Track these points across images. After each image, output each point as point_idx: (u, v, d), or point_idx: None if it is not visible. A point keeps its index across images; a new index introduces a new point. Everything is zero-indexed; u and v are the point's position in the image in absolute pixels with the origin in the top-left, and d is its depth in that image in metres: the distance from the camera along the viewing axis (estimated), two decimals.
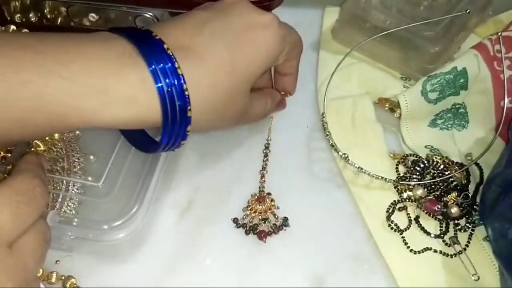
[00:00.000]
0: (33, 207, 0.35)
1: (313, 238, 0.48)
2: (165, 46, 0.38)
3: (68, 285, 0.43)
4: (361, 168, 0.50)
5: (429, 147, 0.53)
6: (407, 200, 0.50)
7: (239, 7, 0.43)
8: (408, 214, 0.50)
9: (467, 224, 0.49)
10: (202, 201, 0.50)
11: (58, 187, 0.47)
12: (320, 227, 0.49)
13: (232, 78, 0.41)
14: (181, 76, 0.38)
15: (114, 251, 0.47)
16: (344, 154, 0.51)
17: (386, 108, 0.56)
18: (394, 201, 0.50)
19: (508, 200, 0.44)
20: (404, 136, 0.54)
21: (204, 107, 0.40)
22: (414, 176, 0.51)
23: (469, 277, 0.46)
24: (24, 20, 0.54)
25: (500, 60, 0.54)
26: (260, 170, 0.52)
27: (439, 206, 0.49)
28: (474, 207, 0.49)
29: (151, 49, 0.38)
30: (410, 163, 0.52)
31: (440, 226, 0.49)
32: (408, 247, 0.48)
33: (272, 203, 0.50)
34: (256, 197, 0.50)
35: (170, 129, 0.39)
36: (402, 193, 0.50)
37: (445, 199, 0.50)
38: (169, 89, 0.37)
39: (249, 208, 0.49)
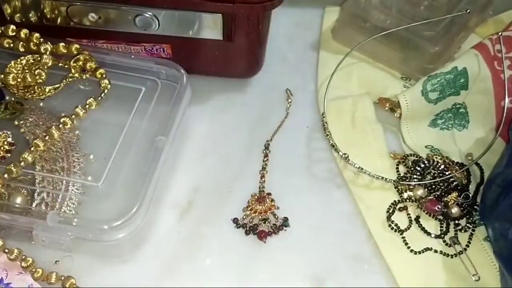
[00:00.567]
0: None
1: (313, 238, 0.48)
2: None
3: (67, 285, 0.43)
4: (361, 168, 0.50)
5: (430, 147, 0.53)
6: (408, 200, 0.50)
7: None
8: (408, 214, 0.49)
9: (467, 224, 0.49)
10: (202, 201, 0.50)
11: (57, 187, 0.47)
12: (320, 227, 0.49)
13: None
14: None
15: (114, 251, 0.46)
16: (344, 154, 0.51)
17: (386, 108, 0.56)
18: (395, 201, 0.50)
19: (509, 200, 0.44)
20: (404, 136, 0.54)
21: None
22: (415, 176, 0.51)
23: (469, 277, 0.46)
24: (24, 20, 0.54)
25: (500, 60, 0.54)
26: (260, 170, 0.52)
27: (439, 206, 0.49)
28: (475, 207, 0.49)
29: None
30: (410, 163, 0.52)
31: (441, 226, 0.49)
32: (409, 247, 0.48)
33: (272, 203, 0.50)
34: (256, 197, 0.50)
35: None
36: (403, 193, 0.50)
37: (445, 199, 0.50)
38: None
39: (249, 208, 0.49)
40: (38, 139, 0.47)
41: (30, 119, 0.50)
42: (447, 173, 0.51)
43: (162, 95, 0.52)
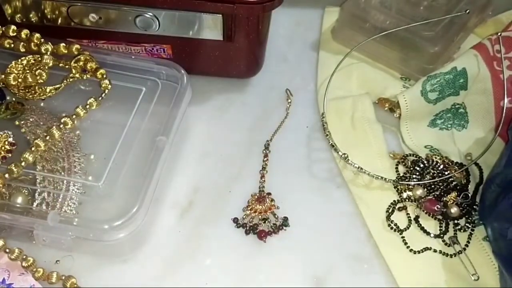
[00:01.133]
0: None
1: (313, 238, 0.48)
2: None
3: (68, 285, 0.44)
4: (361, 168, 0.50)
5: (429, 147, 0.54)
6: (407, 200, 0.50)
7: None
8: (408, 214, 0.50)
9: (466, 224, 0.49)
10: (202, 201, 0.50)
11: (58, 187, 0.47)
12: (320, 227, 0.49)
13: None
14: None
15: (114, 251, 0.47)
16: (344, 154, 0.51)
17: (386, 108, 0.57)
18: (394, 201, 0.50)
19: (508, 200, 0.44)
20: (404, 136, 0.54)
21: None
22: (414, 176, 0.51)
23: (468, 276, 0.46)
24: (24, 20, 0.54)
25: (499, 60, 0.54)
26: (260, 170, 0.52)
27: (438, 206, 0.49)
28: (474, 207, 0.49)
29: None
30: (409, 163, 0.52)
31: (440, 226, 0.49)
32: (408, 247, 0.48)
33: (272, 203, 0.50)
34: (256, 197, 0.50)
35: None
36: (402, 193, 0.50)
37: (444, 199, 0.50)
38: None
39: (249, 208, 0.49)
40: (39, 139, 0.47)
41: (31, 119, 0.51)
42: (446, 173, 0.51)
43: (163, 95, 0.52)
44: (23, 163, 0.46)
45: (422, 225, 0.49)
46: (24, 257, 0.43)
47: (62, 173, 0.48)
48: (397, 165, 0.52)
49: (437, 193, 0.50)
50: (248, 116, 0.57)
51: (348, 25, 0.59)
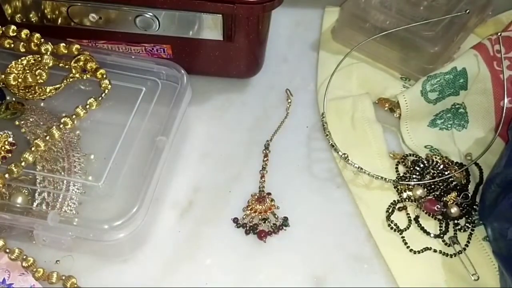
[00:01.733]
0: None
1: (313, 238, 0.48)
2: None
3: (68, 285, 0.44)
4: (361, 168, 0.50)
5: (429, 147, 0.54)
6: (407, 200, 0.50)
7: None
8: (408, 214, 0.50)
9: (466, 224, 0.49)
10: (202, 201, 0.50)
11: (58, 187, 0.47)
12: (320, 227, 0.49)
13: None
14: None
15: (114, 251, 0.47)
16: (344, 154, 0.51)
17: (386, 108, 0.57)
18: (394, 201, 0.50)
19: (508, 200, 0.44)
20: (404, 136, 0.54)
21: None
22: (414, 176, 0.51)
23: (468, 276, 0.46)
24: (24, 20, 0.54)
25: (499, 60, 0.54)
26: (260, 170, 0.52)
27: (438, 206, 0.49)
28: (474, 207, 0.49)
29: None
30: (409, 163, 0.52)
31: (440, 226, 0.49)
32: (408, 247, 0.48)
33: (272, 203, 0.50)
34: (256, 197, 0.50)
35: None
36: (402, 193, 0.51)
37: (444, 199, 0.50)
38: None
39: (249, 208, 0.50)
40: (39, 139, 0.47)
41: (31, 119, 0.51)
42: (446, 173, 0.51)
43: (163, 96, 0.52)
44: (23, 163, 0.46)
45: (422, 225, 0.49)
46: (24, 257, 0.43)
47: (62, 173, 0.48)
48: (397, 165, 0.52)
49: (437, 193, 0.50)
50: (248, 116, 0.57)
51: (348, 25, 0.59)
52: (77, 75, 0.53)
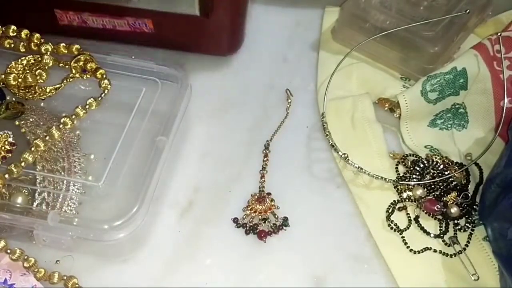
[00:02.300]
0: None
1: (313, 238, 0.48)
2: None
3: (70, 285, 0.44)
4: (361, 168, 0.50)
5: (429, 147, 0.54)
6: (407, 200, 0.50)
7: None
8: (407, 214, 0.50)
9: (466, 224, 0.49)
10: (202, 201, 0.50)
11: (58, 187, 0.47)
12: (320, 227, 0.49)
13: None
14: None
15: (114, 251, 0.47)
16: (344, 154, 0.51)
17: (386, 108, 0.57)
18: (394, 201, 0.50)
19: (508, 200, 0.44)
20: (404, 136, 0.54)
21: None
22: (414, 176, 0.51)
23: (468, 277, 0.46)
24: None
25: (499, 60, 0.54)
26: (260, 170, 0.52)
27: (438, 206, 0.49)
28: (474, 207, 0.49)
29: None
30: (409, 163, 0.52)
31: (440, 226, 0.49)
32: (408, 247, 0.48)
33: (272, 203, 0.50)
34: (256, 197, 0.50)
35: None
36: (402, 193, 0.50)
37: (444, 199, 0.50)
38: None
39: (249, 208, 0.50)
40: (38, 139, 0.47)
41: (31, 119, 0.51)
42: (446, 173, 0.51)
43: (163, 95, 0.52)
44: (23, 163, 0.46)
45: (422, 225, 0.49)
46: (26, 257, 0.43)
47: (62, 173, 0.48)
48: (397, 165, 0.52)
49: (437, 193, 0.50)
50: (248, 116, 0.57)
51: (348, 25, 0.59)
52: (77, 75, 0.53)
